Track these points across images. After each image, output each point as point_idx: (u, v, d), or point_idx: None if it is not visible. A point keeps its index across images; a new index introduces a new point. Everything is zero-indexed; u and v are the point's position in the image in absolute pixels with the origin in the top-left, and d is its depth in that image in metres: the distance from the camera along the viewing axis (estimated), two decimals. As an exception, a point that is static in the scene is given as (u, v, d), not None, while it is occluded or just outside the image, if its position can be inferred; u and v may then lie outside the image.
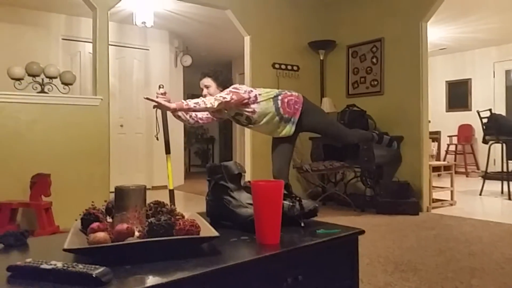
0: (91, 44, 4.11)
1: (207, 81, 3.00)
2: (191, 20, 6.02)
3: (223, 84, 3.00)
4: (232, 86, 2.95)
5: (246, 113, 2.98)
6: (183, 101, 2.82)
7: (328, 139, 4.63)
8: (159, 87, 3.01)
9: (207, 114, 3.10)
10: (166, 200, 1.39)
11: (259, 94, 2.98)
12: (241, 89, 2.93)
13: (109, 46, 3.99)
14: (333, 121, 3.78)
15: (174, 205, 2.78)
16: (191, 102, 2.77)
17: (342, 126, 3.56)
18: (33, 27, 5.49)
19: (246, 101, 2.92)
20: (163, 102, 2.79)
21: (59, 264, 0.90)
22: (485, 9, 5.70)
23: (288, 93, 3.08)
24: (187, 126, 8.87)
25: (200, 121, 3.13)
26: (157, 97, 2.92)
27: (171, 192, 3.10)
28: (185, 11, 5.58)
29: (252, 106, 2.96)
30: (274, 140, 3.23)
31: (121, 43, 6.21)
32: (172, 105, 2.78)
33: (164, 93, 2.95)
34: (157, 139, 3.24)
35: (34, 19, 5.50)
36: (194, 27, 6.38)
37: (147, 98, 2.77)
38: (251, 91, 2.98)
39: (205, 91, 3.00)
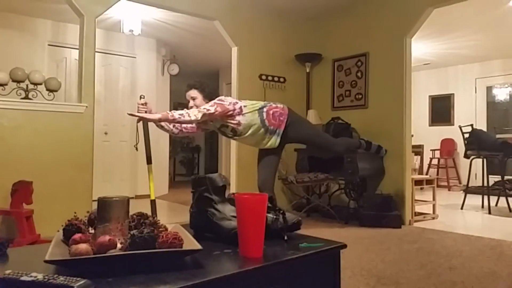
0: (77, 51, 4.08)
1: (194, 92, 3.02)
2: (179, 29, 6.04)
3: (209, 96, 3.02)
4: (217, 98, 2.97)
5: (232, 124, 2.99)
6: (168, 112, 2.82)
7: (314, 150, 4.68)
8: (140, 97, 3.03)
9: (192, 124, 3.10)
10: (149, 210, 1.38)
11: (244, 106, 3.01)
12: (226, 101, 2.95)
13: (96, 53, 3.97)
14: (319, 131, 3.80)
15: (156, 215, 2.77)
16: (176, 113, 2.78)
17: (329, 136, 3.60)
18: (19, 32, 5.43)
19: (231, 112, 2.94)
20: (146, 116, 2.79)
21: (40, 276, 0.89)
22: (468, 27, 5.84)
23: (274, 105, 3.11)
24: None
25: (184, 130, 3.13)
26: (138, 107, 2.94)
27: (153, 203, 3.08)
28: (173, 20, 5.60)
29: (237, 118, 2.97)
30: (260, 152, 3.25)
31: (107, 50, 6.19)
32: (157, 116, 2.78)
33: (145, 104, 2.98)
34: (136, 149, 3.25)
35: (20, 24, 5.44)
36: (182, 36, 6.39)
37: (131, 114, 2.77)
38: (236, 102, 3.00)
39: (191, 103, 3.02)
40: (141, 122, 2.99)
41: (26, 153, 3.54)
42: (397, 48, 4.59)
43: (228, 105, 2.94)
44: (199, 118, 2.80)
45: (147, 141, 3.13)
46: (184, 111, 2.80)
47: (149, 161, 3.16)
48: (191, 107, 2.99)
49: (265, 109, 3.04)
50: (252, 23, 5.03)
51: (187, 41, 6.68)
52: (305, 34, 5.53)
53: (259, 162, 3.24)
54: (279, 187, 4.90)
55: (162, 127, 3.06)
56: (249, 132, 3.01)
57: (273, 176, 3.21)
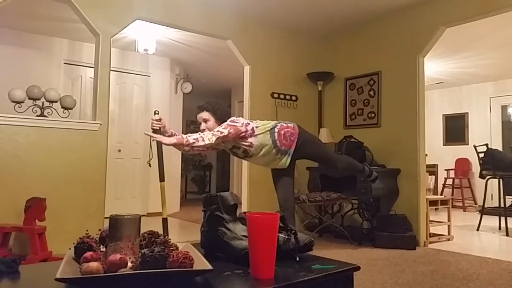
0: (92, 69, 4.16)
1: (206, 115, 3.01)
2: (193, 48, 6.12)
3: (221, 118, 3.01)
4: (230, 119, 2.96)
5: (244, 146, 2.99)
6: (183, 136, 2.82)
7: (325, 168, 4.65)
8: (154, 113, 3.04)
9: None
10: (160, 228, 1.38)
11: (256, 127, 3.00)
12: (238, 122, 2.94)
13: (111, 72, 4.03)
14: (326, 148, 3.70)
15: (168, 234, 2.75)
16: (191, 138, 2.78)
17: (333, 153, 3.57)
18: (35, 50, 5.56)
19: (243, 134, 2.93)
20: (162, 139, 2.79)
21: (49, 295, 0.89)
22: (482, 46, 5.82)
23: (284, 125, 3.10)
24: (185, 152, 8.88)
25: (195, 148, 3.13)
26: (152, 123, 2.95)
27: (165, 221, 3.07)
28: (187, 40, 5.68)
29: (250, 139, 2.97)
30: (274, 172, 3.22)
31: (122, 68, 6.29)
32: (172, 140, 2.78)
33: (159, 119, 2.98)
34: (150, 165, 3.26)
35: (37, 42, 5.58)
36: (195, 55, 6.48)
37: (147, 134, 2.79)
38: (248, 124, 2.99)
39: (203, 125, 3.01)
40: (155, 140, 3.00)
41: (40, 170, 3.57)
42: (410, 67, 4.58)
43: (241, 126, 2.93)
44: (213, 142, 2.80)
45: (160, 159, 3.14)
46: (198, 135, 2.80)
47: (161, 178, 3.16)
48: (203, 130, 2.99)
49: (276, 129, 3.03)
50: (264, 42, 5.08)
51: (200, 60, 6.76)
52: (316, 53, 5.56)
53: (276, 183, 3.21)
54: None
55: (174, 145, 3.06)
56: (261, 153, 3.00)
57: (292, 194, 3.19)
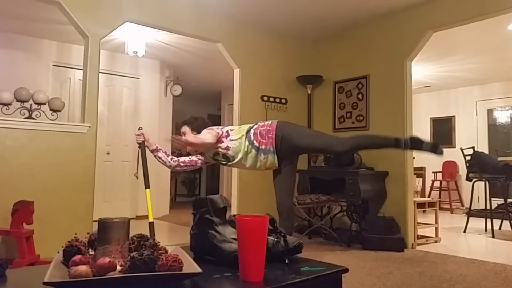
0: (81, 71, 4.13)
1: (183, 129, 3.18)
2: (183, 51, 6.12)
3: (197, 127, 3.14)
4: (207, 128, 3.09)
5: (221, 150, 3.02)
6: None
7: (313, 170, 4.66)
8: (138, 129, 3.15)
9: (189, 158, 3.19)
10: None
11: (231, 130, 3.09)
12: (214, 128, 3.07)
13: (100, 74, 4.01)
14: (317, 133, 3.42)
15: (154, 238, 2.74)
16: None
17: (330, 136, 3.35)
18: (24, 52, 5.51)
19: (219, 135, 3.00)
20: (188, 139, 2.95)
21: (38, 299, 0.88)
22: (469, 50, 5.91)
23: (261, 123, 3.07)
24: (175, 155, 8.84)
25: (182, 164, 3.20)
26: (136, 138, 3.09)
27: (151, 225, 3.06)
28: (177, 42, 5.68)
29: (226, 142, 3.01)
30: (272, 174, 3.18)
31: (111, 71, 6.26)
32: (191, 138, 3.01)
33: (142, 134, 3.10)
34: (137, 177, 3.33)
35: (26, 44, 5.53)
36: (185, 58, 6.47)
37: (172, 138, 2.88)
38: (223, 127, 3.13)
39: (183, 138, 3.05)
40: (139, 147, 3.12)
41: (28, 172, 3.54)
42: (398, 71, 4.63)
43: (217, 129, 3.06)
44: (208, 140, 2.95)
45: (145, 165, 3.15)
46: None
47: (147, 185, 3.16)
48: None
49: (252, 130, 3.03)
50: (254, 45, 5.10)
51: (190, 63, 6.76)
52: (306, 56, 5.59)
53: (274, 185, 3.16)
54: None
55: (159, 158, 3.14)
56: (240, 156, 3.01)
57: (288, 196, 3.09)
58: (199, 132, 3.09)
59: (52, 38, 5.67)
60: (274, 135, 2.98)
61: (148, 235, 1.36)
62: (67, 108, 5.56)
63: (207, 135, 2.97)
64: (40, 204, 3.44)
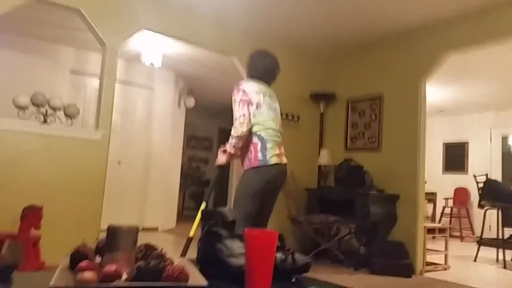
0: (97, 80, 4.18)
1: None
2: (197, 63, 6.17)
3: (248, 69, 3.03)
4: (240, 91, 2.80)
5: None
6: (226, 147, 2.77)
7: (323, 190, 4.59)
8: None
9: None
10: (156, 243, 1.36)
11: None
12: (246, 91, 2.82)
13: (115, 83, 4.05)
14: (238, 207, 2.70)
15: (186, 253, 2.55)
16: (228, 145, 2.74)
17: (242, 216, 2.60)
18: (42, 57, 5.61)
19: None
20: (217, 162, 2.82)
21: (42, 304, 0.87)
22: (483, 74, 5.87)
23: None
24: (184, 167, 8.85)
25: (237, 147, 2.78)
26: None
27: (188, 240, 2.92)
28: (192, 54, 5.74)
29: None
30: None
31: (127, 80, 6.33)
32: (222, 159, 2.82)
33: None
34: (206, 204, 2.98)
35: (44, 50, 5.63)
36: (200, 70, 6.53)
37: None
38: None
39: None
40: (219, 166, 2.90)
41: (39, 177, 3.56)
42: (412, 93, 4.60)
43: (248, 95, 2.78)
44: (244, 130, 2.67)
45: (214, 185, 3.06)
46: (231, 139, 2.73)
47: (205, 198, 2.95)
48: None
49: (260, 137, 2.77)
50: (270, 62, 5.12)
51: (204, 75, 6.81)
52: (320, 74, 5.60)
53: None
54: (289, 227, 4.80)
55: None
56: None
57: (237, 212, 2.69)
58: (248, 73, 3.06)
59: (70, 45, 5.77)
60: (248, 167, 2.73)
61: (155, 246, 1.34)
62: (81, 115, 5.59)
63: (244, 108, 2.77)
64: (48, 210, 3.44)
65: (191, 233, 2.85)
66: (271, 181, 2.68)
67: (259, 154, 2.66)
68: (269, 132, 2.74)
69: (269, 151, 2.68)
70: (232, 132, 2.69)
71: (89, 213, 3.76)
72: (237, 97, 2.76)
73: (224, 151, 2.84)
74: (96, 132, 3.86)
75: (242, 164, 2.78)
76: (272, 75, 3.01)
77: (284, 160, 2.79)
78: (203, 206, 2.90)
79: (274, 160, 2.68)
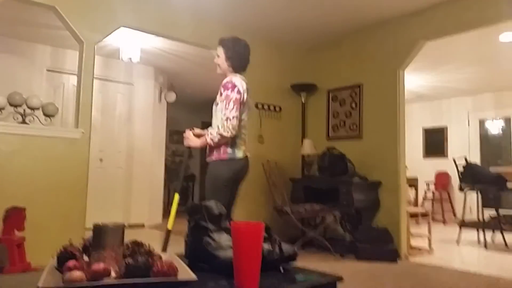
0: (75, 77, 4.12)
1: (219, 50, 2.99)
2: (177, 58, 6.12)
3: (232, 57, 2.96)
4: (232, 88, 2.79)
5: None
6: (206, 137, 2.73)
7: (307, 179, 4.63)
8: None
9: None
10: (142, 239, 1.36)
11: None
12: (237, 87, 2.83)
13: (94, 79, 4.00)
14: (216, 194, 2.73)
15: (167, 246, 2.54)
16: (209, 138, 2.68)
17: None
18: (18, 57, 5.49)
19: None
20: (191, 143, 2.79)
21: (31, 305, 0.87)
22: (460, 60, 5.98)
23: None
24: (168, 162, 8.81)
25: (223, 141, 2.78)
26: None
27: (168, 233, 2.94)
28: (172, 49, 5.68)
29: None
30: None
31: (105, 77, 6.24)
32: (197, 142, 2.79)
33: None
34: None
35: (20, 49, 5.51)
36: (180, 64, 6.48)
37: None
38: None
39: (215, 59, 2.97)
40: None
41: (20, 178, 3.50)
42: (390, 80, 4.66)
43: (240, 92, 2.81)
44: (234, 134, 2.65)
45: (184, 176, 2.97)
46: (214, 132, 2.67)
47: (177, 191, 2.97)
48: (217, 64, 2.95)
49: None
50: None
51: (185, 69, 6.76)
52: (300, 65, 5.62)
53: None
54: (274, 218, 4.84)
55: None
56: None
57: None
58: (231, 63, 3.02)
59: (46, 43, 5.65)
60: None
61: (143, 242, 1.35)
62: (60, 114, 5.52)
63: (236, 107, 2.75)
64: (31, 211, 3.38)
65: (169, 226, 2.89)
66: (237, 173, 2.77)
67: (229, 149, 2.72)
68: (241, 129, 2.79)
69: (238, 146, 2.75)
70: (222, 131, 2.63)
71: (73, 212, 3.72)
72: (232, 94, 2.73)
73: (199, 136, 2.81)
74: (76, 130, 3.80)
75: (209, 154, 2.79)
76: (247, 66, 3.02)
77: (248, 154, 2.87)
78: (176, 197, 2.94)
79: (241, 154, 2.77)
